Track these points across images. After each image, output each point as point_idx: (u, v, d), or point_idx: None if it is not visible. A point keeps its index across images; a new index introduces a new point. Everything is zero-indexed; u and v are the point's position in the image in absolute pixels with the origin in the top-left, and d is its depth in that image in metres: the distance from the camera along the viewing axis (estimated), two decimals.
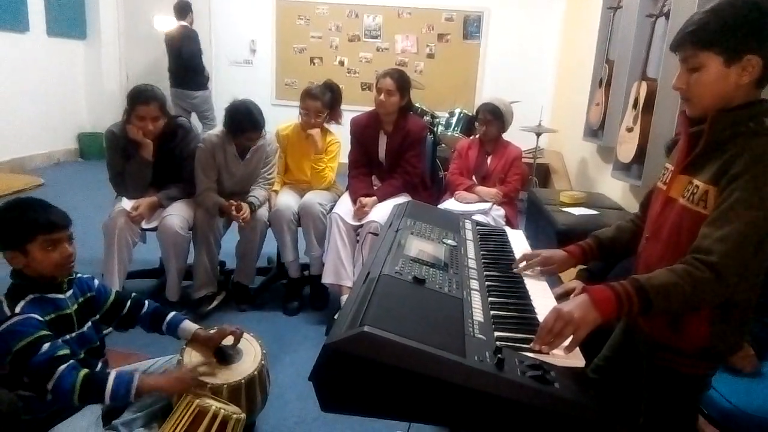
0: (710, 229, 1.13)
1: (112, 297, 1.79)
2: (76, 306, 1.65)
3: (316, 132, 3.07)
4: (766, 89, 1.22)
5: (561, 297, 1.48)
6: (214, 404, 1.55)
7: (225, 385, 1.68)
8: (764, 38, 1.14)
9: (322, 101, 3.04)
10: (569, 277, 2.00)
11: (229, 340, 1.84)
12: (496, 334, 1.16)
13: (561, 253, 1.55)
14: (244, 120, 2.82)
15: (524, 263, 1.55)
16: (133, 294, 1.87)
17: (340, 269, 2.88)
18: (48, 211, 1.57)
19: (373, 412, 1.04)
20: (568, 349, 1.12)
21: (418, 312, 1.14)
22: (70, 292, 1.64)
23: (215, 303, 2.98)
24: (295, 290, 3.13)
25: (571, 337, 1.11)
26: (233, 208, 2.83)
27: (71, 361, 1.49)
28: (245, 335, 1.93)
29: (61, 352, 1.48)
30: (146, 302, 1.85)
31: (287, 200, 3.05)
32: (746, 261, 1.10)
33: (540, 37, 6.36)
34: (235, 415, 1.56)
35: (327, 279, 2.93)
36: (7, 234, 1.54)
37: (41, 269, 1.55)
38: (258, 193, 2.97)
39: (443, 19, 6.47)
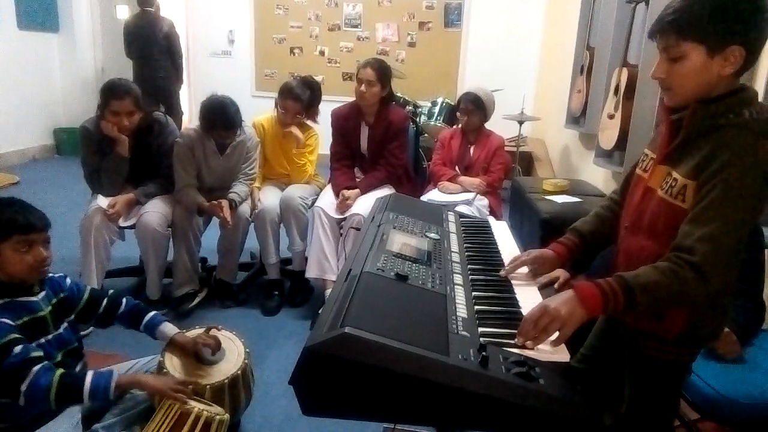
0: (691, 227, 1.12)
1: (86, 295, 1.75)
2: (50, 307, 1.60)
3: (294, 128, 3.04)
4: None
5: (545, 286, 1.47)
6: (196, 406, 1.53)
7: (208, 386, 1.66)
8: (748, 28, 1.12)
9: (302, 102, 2.99)
10: None
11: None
12: (480, 330, 1.14)
13: (549, 253, 1.51)
14: (216, 118, 2.75)
15: (516, 262, 1.50)
16: (111, 291, 1.83)
17: (324, 263, 2.86)
18: (26, 212, 1.53)
19: (357, 415, 1.01)
20: (555, 344, 1.11)
21: (401, 310, 1.12)
22: (43, 293, 1.60)
23: (197, 300, 2.93)
24: (275, 289, 3.06)
25: (557, 334, 1.10)
26: (218, 209, 2.77)
27: (45, 362, 1.45)
28: (228, 334, 1.91)
29: (34, 354, 1.45)
30: (124, 300, 1.81)
31: (271, 199, 3.00)
32: (728, 258, 1.10)
33: (521, 24, 6.33)
34: (218, 417, 1.54)
35: (311, 273, 2.90)
36: None
37: (12, 271, 1.50)
38: (239, 189, 2.91)
39: (424, 7, 6.41)
